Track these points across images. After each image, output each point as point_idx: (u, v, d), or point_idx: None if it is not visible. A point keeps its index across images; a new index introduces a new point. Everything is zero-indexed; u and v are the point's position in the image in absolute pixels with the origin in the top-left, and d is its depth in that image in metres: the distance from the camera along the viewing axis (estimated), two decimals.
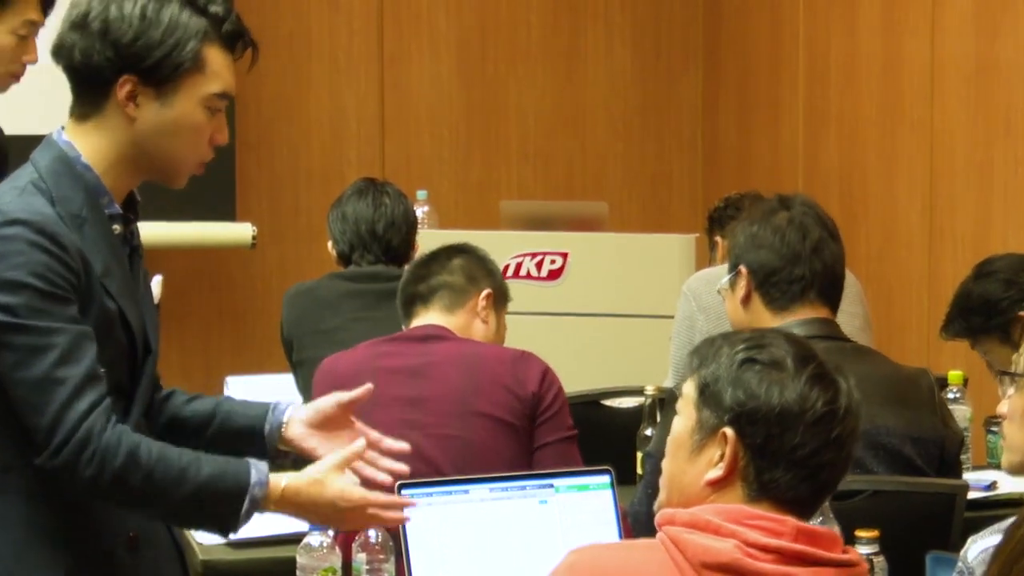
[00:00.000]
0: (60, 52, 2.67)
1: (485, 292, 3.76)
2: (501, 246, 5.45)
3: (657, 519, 2.28)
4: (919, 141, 5.66)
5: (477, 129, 7.23)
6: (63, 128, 2.70)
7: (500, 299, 3.81)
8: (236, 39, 2.69)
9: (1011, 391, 2.67)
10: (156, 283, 2.84)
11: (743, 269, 3.49)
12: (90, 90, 2.67)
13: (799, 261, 3.46)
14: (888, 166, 5.86)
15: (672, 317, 4.59)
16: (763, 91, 6.78)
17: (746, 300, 3.49)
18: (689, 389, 2.32)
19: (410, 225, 4.73)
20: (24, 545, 2.60)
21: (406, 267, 3.95)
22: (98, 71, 2.65)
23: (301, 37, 7.03)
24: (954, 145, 5.48)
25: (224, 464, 2.62)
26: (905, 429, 3.36)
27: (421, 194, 6.03)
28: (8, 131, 3.83)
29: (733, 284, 3.52)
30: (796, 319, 3.41)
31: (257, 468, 2.62)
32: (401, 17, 7.14)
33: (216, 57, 2.67)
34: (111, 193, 2.68)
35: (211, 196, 6.49)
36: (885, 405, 3.34)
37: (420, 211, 5.67)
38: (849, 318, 4.44)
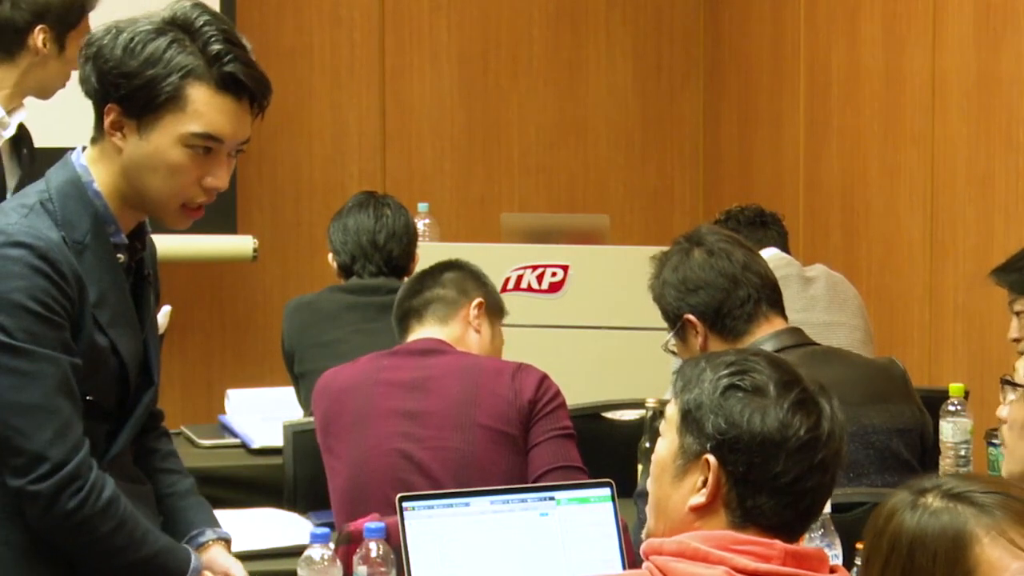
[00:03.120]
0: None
1: (476, 301, 3.77)
2: (502, 259, 5.45)
3: (643, 548, 2.28)
4: (920, 154, 5.66)
5: (478, 142, 7.23)
6: (83, 149, 2.71)
7: (493, 310, 3.82)
8: (231, 82, 2.63)
9: (1012, 396, 2.67)
10: (163, 314, 2.84)
11: (689, 317, 3.48)
12: (96, 117, 2.68)
13: (739, 283, 3.46)
14: (889, 179, 5.86)
15: None
16: (764, 104, 6.78)
17: (704, 345, 3.48)
18: (672, 413, 2.32)
19: (411, 236, 4.74)
20: (9, 563, 2.61)
21: (403, 283, 3.96)
22: (91, 97, 2.67)
23: (303, 50, 7.04)
24: (955, 158, 5.48)
25: (173, 542, 2.73)
26: (890, 423, 3.40)
27: (422, 207, 6.03)
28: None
29: (683, 337, 3.51)
30: (758, 338, 3.41)
31: (195, 556, 2.74)
32: (403, 31, 7.14)
33: (203, 96, 2.62)
34: (118, 222, 2.68)
35: (212, 209, 6.45)
36: (867, 403, 3.37)
37: (421, 224, 5.67)
38: (850, 331, 4.44)
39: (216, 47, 2.62)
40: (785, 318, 3.53)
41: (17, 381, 2.54)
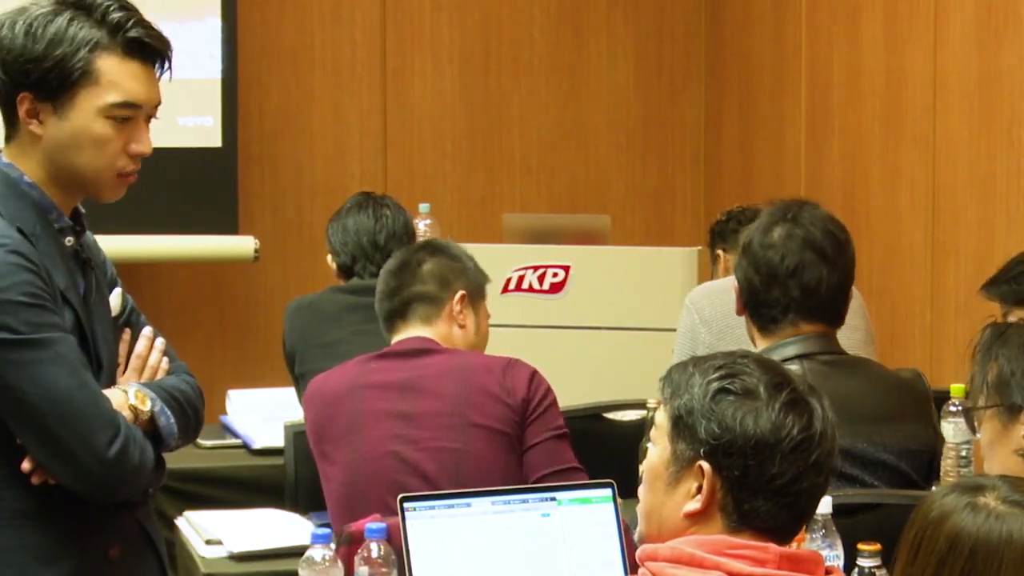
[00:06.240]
0: None
1: (459, 295, 3.74)
2: (503, 259, 5.45)
3: (638, 554, 2.27)
4: (921, 154, 5.66)
5: (480, 143, 7.23)
6: (1, 152, 2.71)
7: (475, 294, 3.79)
8: (138, 47, 2.67)
9: (979, 432, 2.66)
10: (116, 295, 2.84)
11: (734, 283, 3.50)
12: (5, 112, 2.68)
13: (773, 285, 3.41)
14: (890, 180, 5.86)
15: (674, 330, 4.59)
16: (765, 105, 6.78)
17: (741, 312, 3.49)
18: (662, 420, 2.31)
19: (410, 236, 4.75)
20: (14, 568, 2.61)
21: (379, 277, 3.88)
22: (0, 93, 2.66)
23: (304, 51, 7.04)
24: (956, 158, 5.48)
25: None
26: (902, 443, 3.36)
27: (424, 207, 6.03)
28: None
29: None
30: (783, 340, 3.39)
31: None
32: (404, 31, 7.14)
33: (113, 66, 2.65)
34: (59, 208, 2.69)
35: (213, 209, 6.49)
36: (880, 421, 3.34)
37: (422, 224, 5.67)
38: (851, 332, 4.43)
39: (116, 16, 2.66)
40: (827, 326, 3.44)
41: (39, 371, 2.56)
